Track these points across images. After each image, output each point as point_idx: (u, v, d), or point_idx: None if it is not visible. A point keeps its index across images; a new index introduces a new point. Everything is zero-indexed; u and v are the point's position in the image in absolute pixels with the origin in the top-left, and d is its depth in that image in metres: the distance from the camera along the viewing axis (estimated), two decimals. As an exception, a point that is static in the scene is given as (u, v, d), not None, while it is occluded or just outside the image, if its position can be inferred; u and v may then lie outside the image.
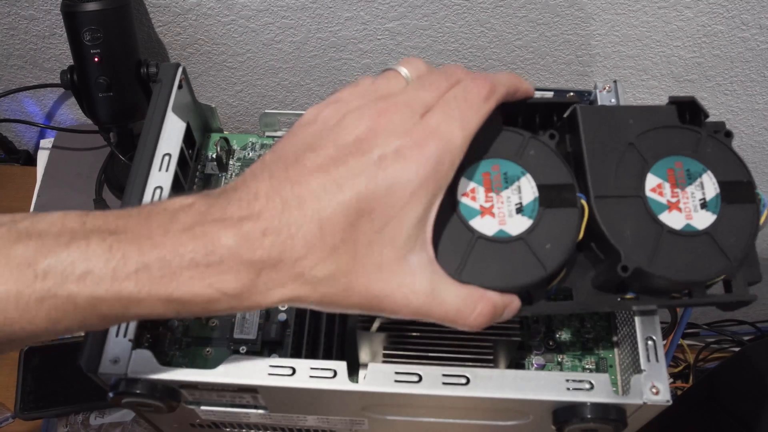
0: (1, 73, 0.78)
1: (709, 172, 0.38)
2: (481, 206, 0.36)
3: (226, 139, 0.56)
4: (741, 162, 0.39)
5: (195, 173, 0.54)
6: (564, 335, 0.48)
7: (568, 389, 0.40)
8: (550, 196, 0.37)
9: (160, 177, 0.48)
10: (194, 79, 0.76)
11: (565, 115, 0.41)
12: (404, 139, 0.31)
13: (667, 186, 0.38)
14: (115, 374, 0.40)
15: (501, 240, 0.36)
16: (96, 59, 0.64)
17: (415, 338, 0.43)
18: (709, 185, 0.38)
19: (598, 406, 0.39)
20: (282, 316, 0.48)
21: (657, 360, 0.41)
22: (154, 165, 0.48)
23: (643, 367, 0.41)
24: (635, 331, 0.42)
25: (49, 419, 0.69)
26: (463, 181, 0.37)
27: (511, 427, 0.44)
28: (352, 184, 0.30)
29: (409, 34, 0.69)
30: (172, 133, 0.50)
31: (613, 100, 0.50)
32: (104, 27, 0.63)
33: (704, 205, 0.38)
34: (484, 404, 0.41)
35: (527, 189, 0.37)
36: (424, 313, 0.33)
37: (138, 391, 0.40)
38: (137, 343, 0.42)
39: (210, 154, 0.56)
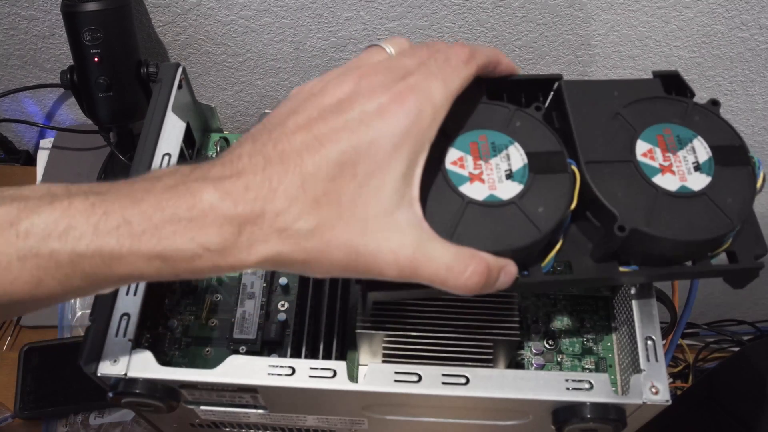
0: (1, 73, 0.78)
1: (699, 137, 0.38)
2: (470, 173, 0.36)
3: (226, 139, 0.56)
4: (731, 128, 0.38)
5: (195, 173, 0.54)
6: (564, 335, 0.48)
7: (568, 389, 0.40)
8: (539, 163, 0.36)
9: (160, 177, 0.48)
10: (194, 79, 0.76)
11: (551, 94, 0.41)
12: (384, 96, 0.32)
13: (657, 151, 0.37)
14: (114, 374, 0.40)
15: (492, 204, 0.35)
16: (96, 59, 0.64)
17: (415, 338, 0.44)
18: (701, 149, 0.37)
19: (597, 406, 0.39)
20: (282, 316, 0.48)
21: (656, 360, 0.41)
22: (154, 165, 0.48)
23: (642, 367, 0.41)
24: (635, 331, 0.42)
25: (49, 419, 0.69)
26: (450, 151, 0.36)
27: (510, 427, 0.44)
28: (333, 139, 0.31)
29: (409, 34, 0.69)
30: (171, 133, 0.50)
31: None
32: (104, 27, 0.63)
33: (698, 167, 0.37)
34: (484, 404, 0.41)
35: (516, 156, 0.36)
36: (412, 270, 0.32)
37: (138, 391, 0.40)
38: (137, 343, 0.42)
39: (210, 154, 0.56)
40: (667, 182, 0.36)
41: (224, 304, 0.49)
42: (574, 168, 0.37)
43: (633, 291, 0.44)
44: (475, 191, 0.35)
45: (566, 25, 0.67)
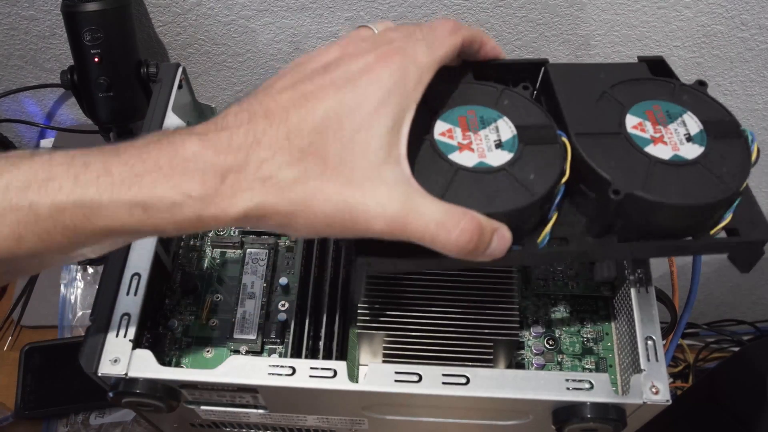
0: (2, 73, 0.78)
1: (689, 112, 0.37)
2: (458, 143, 0.35)
3: (226, 139, 0.56)
4: (721, 105, 0.38)
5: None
6: (564, 335, 0.48)
7: (568, 389, 0.40)
8: (529, 135, 0.36)
9: (160, 177, 0.48)
10: (194, 79, 0.76)
11: (539, 79, 0.41)
12: (370, 56, 0.32)
13: (648, 124, 0.37)
14: (115, 374, 0.40)
15: (482, 170, 0.35)
16: (96, 59, 0.64)
17: (415, 338, 0.44)
18: (692, 123, 0.37)
19: (597, 406, 0.39)
20: (282, 316, 0.48)
21: (657, 359, 0.41)
22: (154, 165, 0.48)
23: (642, 367, 0.41)
24: (635, 331, 0.42)
25: (50, 419, 0.69)
26: (438, 123, 0.36)
27: (511, 427, 0.44)
28: (320, 96, 0.31)
29: (409, 34, 0.69)
30: (172, 133, 0.50)
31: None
32: (104, 27, 0.63)
33: (690, 138, 0.36)
34: (484, 404, 0.41)
35: (505, 129, 0.36)
36: (401, 224, 0.31)
37: (138, 391, 0.40)
38: (137, 343, 0.42)
39: (210, 154, 0.56)
40: (660, 151, 0.36)
41: (224, 304, 0.49)
42: (565, 140, 0.36)
43: (633, 291, 0.44)
44: (464, 159, 0.35)
45: (566, 25, 0.67)
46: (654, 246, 0.37)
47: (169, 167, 0.30)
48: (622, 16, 0.66)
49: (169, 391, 0.41)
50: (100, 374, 0.40)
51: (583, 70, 0.40)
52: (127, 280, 0.43)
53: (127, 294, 0.43)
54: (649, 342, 0.42)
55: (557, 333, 0.49)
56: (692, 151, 0.36)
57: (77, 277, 0.74)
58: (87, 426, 0.68)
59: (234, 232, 0.52)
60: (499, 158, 0.35)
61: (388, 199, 0.31)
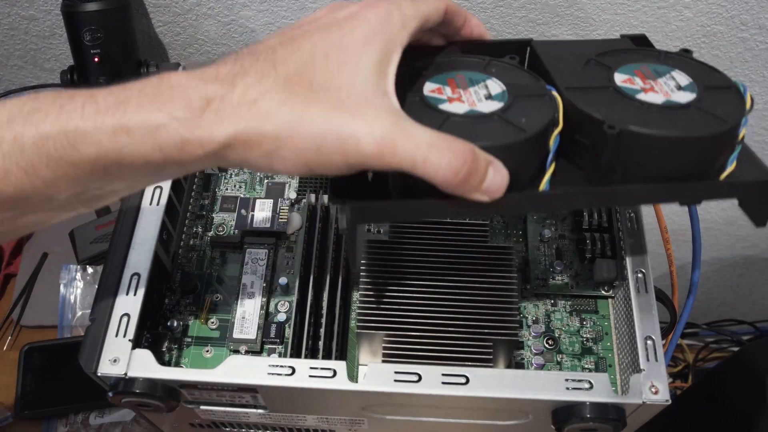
0: (2, 73, 0.78)
1: (677, 70, 0.37)
2: (448, 97, 0.35)
3: (225, 139, 0.56)
4: (708, 65, 0.38)
5: (195, 173, 0.54)
6: (563, 335, 0.48)
7: (568, 389, 0.40)
8: (519, 89, 0.36)
9: (160, 177, 0.48)
10: (194, 79, 0.76)
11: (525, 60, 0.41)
12: (355, 7, 0.33)
13: (637, 79, 0.36)
14: (114, 374, 0.40)
15: (474, 116, 0.34)
16: (96, 59, 0.64)
17: (415, 338, 0.44)
18: (681, 77, 0.37)
19: (597, 406, 0.39)
20: (282, 316, 0.48)
21: (656, 359, 0.41)
22: (154, 165, 0.48)
23: (642, 367, 0.41)
24: (634, 331, 0.42)
25: (49, 419, 0.69)
26: (427, 84, 0.36)
27: (510, 427, 0.44)
28: (306, 37, 0.32)
29: (408, 34, 0.69)
30: (171, 133, 0.50)
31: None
32: (104, 27, 0.63)
33: (681, 88, 0.36)
34: (484, 404, 0.41)
35: (494, 86, 0.36)
36: (390, 145, 0.30)
37: (137, 391, 0.40)
38: (137, 342, 0.42)
39: (210, 154, 0.56)
40: (652, 98, 0.35)
41: (224, 304, 0.49)
42: (555, 93, 0.36)
43: (633, 291, 0.44)
44: (454, 108, 0.34)
45: (566, 25, 0.67)
46: (657, 189, 0.35)
47: (155, 94, 0.30)
48: (622, 16, 0.66)
49: (169, 390, 0.41)
50: (99, 374, 0.40)
51: (568, 44, 0.40)
52: (126, 280, 0.43)
53: (127, 294, 0.43)
54: (649, 342, 0.42)
55: (557, 333, 0.49)
56: (685, 97, 0.36)
57: (77, 277, 0.74)
58: (87, 426, 0.68)
59: (234, 232, 0.52)
60: (489, 107, 0.35)
61: (377, 120, 0.30)
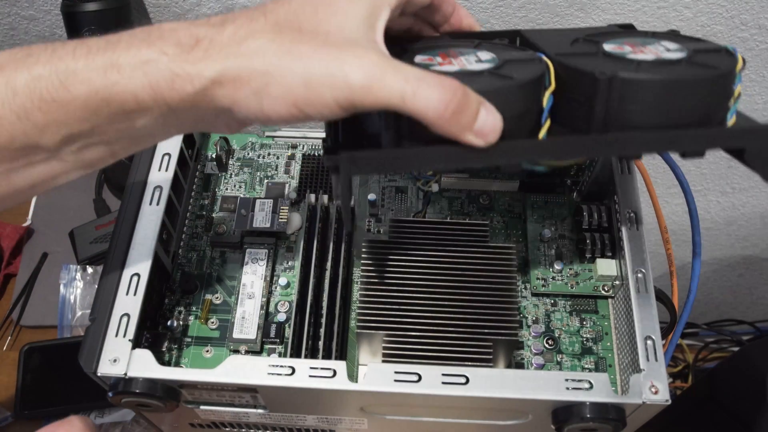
0: (1, 73, 0.78)
1: (666, 40, 0.37)
2: (439, 62, 0.35)
3: (225, 139, 0.56)
4: (696, 37, 0.38)
5: (195, 173, 0.54)
6: (563, 335, 0.48)
7: (568, 389, 0.40)
8: (509, 56, 0.36)
9: (160, 177, 0.48)
10: (194, 79, 0.76)
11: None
12: None
13: (626, 46, 0.37)
14: (114, 374, 0.40)
15: (464, 73, 0.34)
16: (96, 59, 0.64)
17: (415, 338, 0.44)
18: (670, 44, 0.37)
19: (597, 406, 0.39)
20: (282, 316, 0.48)
21: (656, 359, 0.41)
22: (154, 165, 0.48)
23: (642, 367, 0.41)
24: (634, 331, 0.42)
25: (49, 419, 0.69)
26: (418, 57, 0.36)
27: (510, 427, 0.44)
28: None
29: (408, 34, 0.69)
30: (171, 133, 0.50)
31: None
32: (104, 27, 0.63)
33: (669, 50, 0.36)
34: (484, 404, 0.41)
35: (485, 54, 0.37)
36: (379, 77, 0.30)
37: (137, 391, 0.40)
38: (136, 342, 0.42)
39: (210, 153, 0.56)
40: (643, 56, 0.35)
41: (224, 304, 0.49)
42: (546, 58, 0.36)
43: (633, 290, 0.44)
44: (445, 68, 0.34)
45: (566, 25, 0.67)
46: (658, 137, 0.35)
47: (146, 36, 0.31)
48: (622, 16, 0.66)
49: (169, 390, 0.41)
50: (99, 374, 0.40)
51: (556, 32, 0.41)
52: (126, 280, 0.43)
53: (127, 294, 0.43)
54: (649, 342, 0.42)
55: (557, 333, 0.49)
56: (675, 55, 0.36)
57: (77, 276, 0.74)
58: (87, 426, 0.68)
59: (234, 232, 0.52)
60: (480, 67, 0.35)
61: (365, 54, 0.31)
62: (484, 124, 0.32)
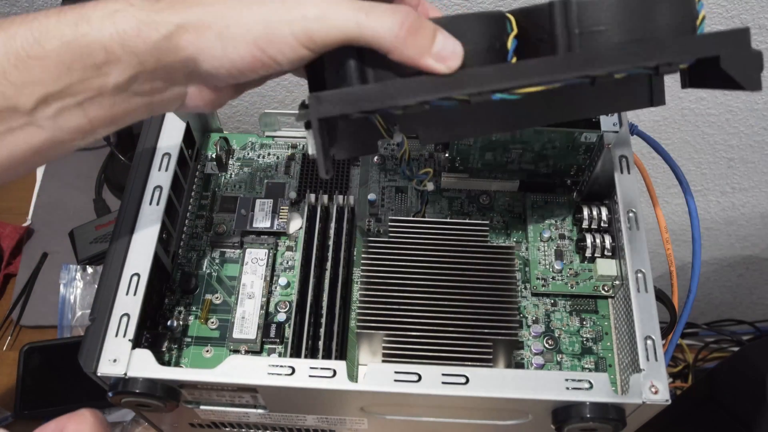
0: (1, 73, 0.78)
1: None
2: None
3: (225, 139, 0.56)
4: None
5: (195, 173, 0.54)
6: (563, 335, 0.48)
7: (568, 389, 0.40)
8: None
9: (160, 177, 0.48)
10: (194, 79, 0.76)
11: None
12: None
13: None
14: (114, 374, 0.40)
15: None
16: (96, 59, 0.64)
17: (415, 338, 0.44)
18: None
19: (597, 406, 0.39)
20: (282, 316, 0.48)
21: (656, 359, 0.41)
22: (154, 165, 0.48)
23: (642, 367, 0.41)
24: (634, 331, 0.42)
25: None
26: None
27: (510, 427, 0.44)
28: None
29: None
30: (171, 133, 0.50)
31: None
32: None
33: None
34: (484, 404, 0.41)
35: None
36: (334, 7, 0.32)
37: (137, 391, 0.40)
38: (136, 342, 0.42)
39: (210, 153, 0.56)
40: None
41: (224, 304, 0.49)
42: (508, 14, 0.37)
43: (633, 290, 0.44)
44: None
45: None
46: (631, 51, 0.34)
47: None
48: (621, 16, 0.65)
49: (169, 390, 0.41)
50: (99, 374, 0.40)
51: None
52: (126, 280, 0.43)
53: (127, 294, 0.43)
54: (649, 342, 0.42)
55: (557, 333, 0.49)
56: None
57: (76, 277, 0.74)
58: (86, 426, 0.68)
59: (234, 233, 0.52)
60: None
61: None
62: (444, 46, 0.33)
